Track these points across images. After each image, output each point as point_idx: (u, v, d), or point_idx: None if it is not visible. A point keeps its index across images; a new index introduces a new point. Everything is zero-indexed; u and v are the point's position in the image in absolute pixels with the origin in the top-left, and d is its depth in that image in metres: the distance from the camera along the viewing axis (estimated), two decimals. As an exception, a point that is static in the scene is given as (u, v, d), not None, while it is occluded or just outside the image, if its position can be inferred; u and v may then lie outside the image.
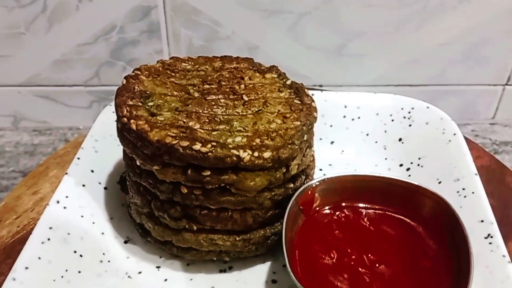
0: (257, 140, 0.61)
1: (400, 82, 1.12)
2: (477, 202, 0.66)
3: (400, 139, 0.80)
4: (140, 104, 0.64)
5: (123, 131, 0.62)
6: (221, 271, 0.66)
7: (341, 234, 0.62)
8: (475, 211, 0.65)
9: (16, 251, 0.70)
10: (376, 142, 0.81)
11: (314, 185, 0.64)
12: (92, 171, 0.73)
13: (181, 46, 1.05)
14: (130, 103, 0.64)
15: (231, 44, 1.06)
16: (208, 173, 0.59)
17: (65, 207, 0.66)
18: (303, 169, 0.65)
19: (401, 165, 0.78)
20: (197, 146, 0.58)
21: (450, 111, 1.13)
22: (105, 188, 0.72)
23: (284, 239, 0.59)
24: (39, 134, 1.11)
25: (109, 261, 0.65)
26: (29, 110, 1.12)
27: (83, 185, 0.70)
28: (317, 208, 0.65)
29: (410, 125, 0.80)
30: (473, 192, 0.67)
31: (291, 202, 0.62)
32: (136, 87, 0.66)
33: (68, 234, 0.64)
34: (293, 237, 0.62)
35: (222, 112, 0.65)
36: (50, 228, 0.63)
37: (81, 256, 0.64)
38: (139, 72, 0.69)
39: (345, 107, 0.83)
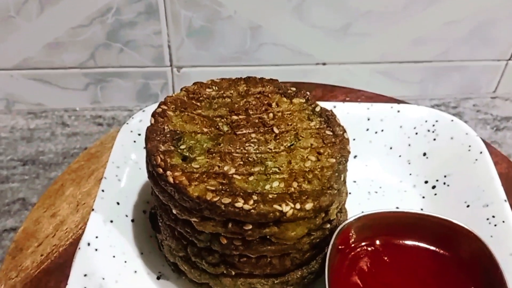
0: (295, 185, 0.60)
1: (404, 59, 1.10)
2: (508, 232, 0.67)
3: (424, 154, 0.80)
4: (172, 148, 0.62)
5: (158, 180, 0.60)
6: (258, 308, 0.66)
7: (380, 277, 0.63)
8: (506, 243, 0.66)
9: (43, 284, 0.69)
10: (400, 156, 0.80)
11: (350, 224, 0.64)
12: (118, 203, 0.71)
13: (180, 27, 1.01)
14: (163, 148, 0.61)
15: (233, 24, 1.02)
16: (250, 227, 0.58)
17: (96, 249, 0.65)
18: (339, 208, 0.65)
19: (426, 182, 0.78)
20: (240, 204, 0.57)
21: (452, 86, 1.14)
22: (132, 221, 0.71)
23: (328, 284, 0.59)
24: (34, 117, 1.07)
25: (145, 302, 0.65)
26: (22, 93, 1.08)
27: (111, 221, 0.68)
28: (353, 245, 0.65)
29: (434, 139, 0.79)
30: (503, 221, 0.68)
31: (330, 245, 0.62)
32: (166, 127, 0.64)
33: (103, 279, 0.64)
34: (331, 278, 0.62)
35: (254, 150, 0.63)
36: (85, 275, 0.62)
37: (118, 301, 0.63)
38: (165, 107, 0.66)
39: (368, 119, 0.81)
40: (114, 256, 0.66)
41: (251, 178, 0.60)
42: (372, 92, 0.97)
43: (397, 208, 0.75)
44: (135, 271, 0.67)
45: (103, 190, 0.70)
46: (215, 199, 0.57)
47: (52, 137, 1.03)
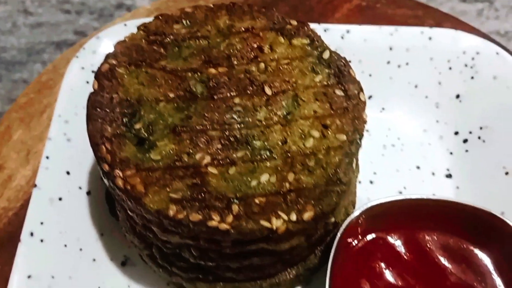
0: (291, 177, 0.45)
1: None
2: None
3: (457, 96, 0.63)
4: (123, 129, 0.46)
5: (105, 177, 0.45)
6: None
7: (394, 277, 0.50)
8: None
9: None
10: (426, 97, 0.64)
11: (357, 217, 0.50)
12: (68, 172, 0.56)
13: None
14: (109, 131, 0.46)
15: None
16: (229, 243, 0.45)
17: (42, 240, 0.52)
18: (346, 197, 0.51)
19: (456, 133, 0.62)
20: (214, 222, 0.43)
21: None
22: (88, 193, 0.57)
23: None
24: (-9, 3, 0.90)
25: (107, 297, 0.54)
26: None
27: (60, 199, 0.55)
28: (361, 237, 0.52)
29: (472, 78, 0.62)
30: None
31: (336, 240, 0.49)
32: (114, 96, 0.47)
33: (53, 277, 0.52)
34: (335, 274, 0.50)
35: (238, 122, 0.47)
36: (29, 277, 0.51)
37: (72, 302, 0.52)
38: (114, 62, 0.48)
39: (390, 49, 0.63)
40: (65, 245, 0.54)
41: (232, 171, 0.45)
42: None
43: (418, 168, 0.61)
44: (94, 259, 0.55)
45: (47, 157, 0.55)
46: (180, 216, 0.43)
47: (14, 29, 0.88)
